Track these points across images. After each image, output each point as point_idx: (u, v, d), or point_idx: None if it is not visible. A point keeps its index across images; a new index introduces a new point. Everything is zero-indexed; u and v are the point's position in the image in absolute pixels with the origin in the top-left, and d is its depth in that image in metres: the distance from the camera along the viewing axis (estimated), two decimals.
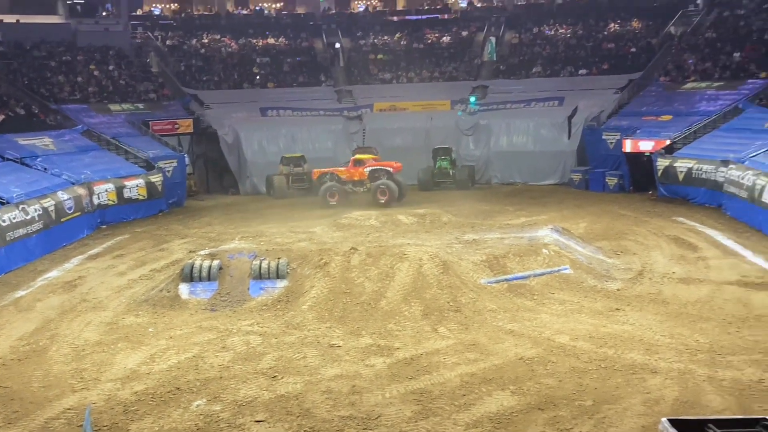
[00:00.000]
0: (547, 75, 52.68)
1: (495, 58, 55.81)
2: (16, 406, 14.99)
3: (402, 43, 58.72)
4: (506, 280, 21.96)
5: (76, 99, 46.50)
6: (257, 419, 14.15)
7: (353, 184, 39.64)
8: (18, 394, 15.61)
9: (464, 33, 58.91)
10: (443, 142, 45.57)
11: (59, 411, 14.76)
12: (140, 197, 37.46)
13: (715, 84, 44.29)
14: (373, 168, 39.50)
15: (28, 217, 28.38)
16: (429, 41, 58.59)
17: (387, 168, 39.44)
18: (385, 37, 59.48)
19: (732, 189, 32.31)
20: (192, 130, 47.74)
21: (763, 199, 28.70)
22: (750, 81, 42.69)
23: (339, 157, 46.89)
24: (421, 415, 14.08)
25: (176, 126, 46.94)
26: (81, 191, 33.31)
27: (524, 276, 22.18)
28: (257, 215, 36.75)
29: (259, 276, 22.03)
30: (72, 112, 44.03)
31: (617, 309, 20.08)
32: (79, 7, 55.75)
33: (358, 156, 40.56)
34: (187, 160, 44.24)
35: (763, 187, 28.90)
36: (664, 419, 10.54)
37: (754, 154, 32.96)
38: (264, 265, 22.22)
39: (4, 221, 26.85)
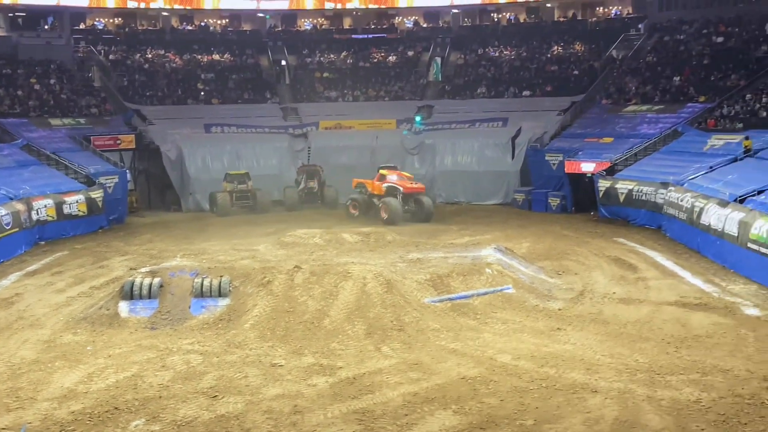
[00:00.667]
0: (491, 96, 53.31)
1: (440, 79, 56.27)
2: None
3: (348, 61, 58.92)
4: (450, 299, 22.04)
5: (16, 113, 45.76)
6: None
7: (378, 197, 39.41)
8: None
9: (410, 53, 59.32)
10: (388, 161, 45.64)
11: None
12: (80, 213, 36.88)
13: (656, 107, 45.20)
14: (389, 184, 39.18)
15: None
16: (375, 60, 58.87)
17: (398, 186, 39.01)
18: (332, 56, 59.63)
19: (671, 211, 32.89)
20: (134, 146, 47.27)
21: (701, 221, 29.25)
22: (689, 105, 43.62)
23: (284, 174, 46.92)
24: None
25: (118, 141, 46.39)
26: (19, 206, 32.65)
27: (467, 295, 22.29)
28: (200, 232, 36.41)
29: (201, 294, 21.80)
30: (11, 126, 43.25)
31: (559, 328, 20.25)
32: (20, 20, 54.85)
33: (382, 171, 40.24)
34: (128, 176, 43.76)
35: (701, 209, 29.46)
36: None
37: (693, 176, 33.62)
38: (206, 283, 21.99)
39: None
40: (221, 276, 22.37)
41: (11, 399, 15.95)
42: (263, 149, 48.55)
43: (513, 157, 46.74)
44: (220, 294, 21.81)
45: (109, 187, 40.16)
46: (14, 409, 15.41)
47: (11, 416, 15.07)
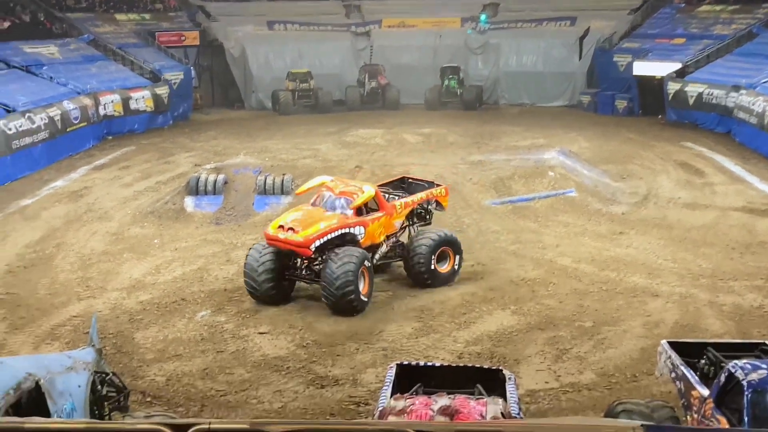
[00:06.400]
0: None
1: None
2: (22, 313, 15.19)
3: None
4: (511, 201, 22.01)
5: (83, 7, 45.82)
6: (261, 331, 14.35)
7: None
8: (24, 301, 15.80)
9: None
10: (451, 61, 45.04)
11: (65, 318, 14.96)
12: (147, 109, 37.24)
13: (730, 7, 43.52)
14: None
15: (34, 126, 28.28)
16: None
17: None
18: None
19: (742, 115, 32.05)
20: (198, 43, 47.20)
21: None
22: (766, 5, 41.93)
23: (346, 74, 46.50)
24: (421, 331, 14.24)
25: (182, 38, 46.39)
26: (87, 101, 33.10)
27: (529, 198, 22.22)
28: (262, 131, 36.53)
29: (264, 191, 22.10)
30: (78, 20, 43.37)
31: (621, 233, 20.13)
32: None
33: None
34: (193, 73, 43.88)
35: None
36: (663, 341, 10.65)
37: (766, 80, 32.60)
38: (269, 180, 22.24)
39: (10, 129, 26.77)
40: (284, 174, 22.56)
41: (82, 288, 16.54)
42: (325, 48, 48.07)
43: (580, 58, 45.67)
44: (283, 192, 22.05)
45: (174, 83, 40.33)
46: (85, 298, 15.99)
47: (82, 304, 15.63)
